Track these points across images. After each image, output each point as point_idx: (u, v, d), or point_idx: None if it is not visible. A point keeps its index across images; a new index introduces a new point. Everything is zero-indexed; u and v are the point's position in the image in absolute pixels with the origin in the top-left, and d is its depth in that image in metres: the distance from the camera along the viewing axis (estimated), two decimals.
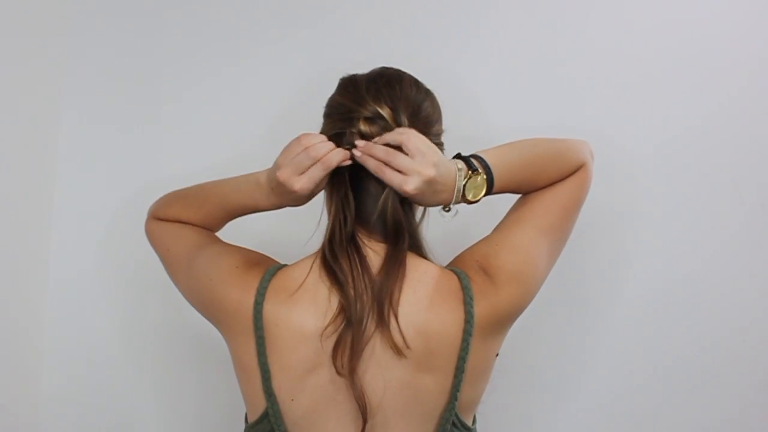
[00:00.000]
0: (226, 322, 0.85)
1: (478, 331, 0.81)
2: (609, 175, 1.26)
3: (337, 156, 0.81)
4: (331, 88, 0.90)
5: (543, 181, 0.91)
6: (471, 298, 0.81)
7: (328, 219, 0.86)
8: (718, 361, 1.27)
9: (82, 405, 1.36)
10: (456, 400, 0.81)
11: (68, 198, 1.36)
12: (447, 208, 0.85)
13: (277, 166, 0.82)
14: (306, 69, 1.32)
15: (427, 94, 0.88)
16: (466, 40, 1.30)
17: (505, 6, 1.30)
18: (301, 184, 0.81)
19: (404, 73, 0.88)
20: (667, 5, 1.28)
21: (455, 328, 0.80)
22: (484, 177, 0.84)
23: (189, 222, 0.96)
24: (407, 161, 0.78)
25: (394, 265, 0.81)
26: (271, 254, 0.91)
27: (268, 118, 1.34)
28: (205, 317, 0.90)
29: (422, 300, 0.81)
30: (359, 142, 0.81)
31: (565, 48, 1.29)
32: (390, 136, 0.81)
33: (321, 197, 0.89)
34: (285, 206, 0.88)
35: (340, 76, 0.90)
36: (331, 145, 0.81)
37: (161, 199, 1.02)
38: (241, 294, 0.83)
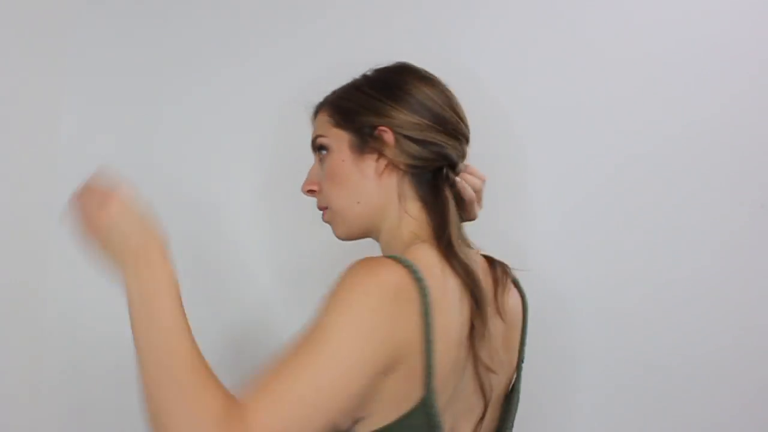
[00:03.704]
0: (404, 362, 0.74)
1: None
2: (607, 174, 1.27)
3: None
4: (332, 87, 0.90)
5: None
6: (516, 278, 0.91)
7: (432, 215, 0.83)
8: (717, 362, 1.26)
9: (83, 404, 1.36)
10: (521, 370, 0.90)
11: (68, 196, 1.35)
12: None
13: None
14: (307, 68, 1.31)
15: None
16: (472, 44, 1.30)
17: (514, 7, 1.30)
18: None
19: (441, 81, 0.90)
20: (667, 4, 1.28)
21: (518, 302, 0.90)
22: None
23: None
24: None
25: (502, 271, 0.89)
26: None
27: (269, 118, 1.33)
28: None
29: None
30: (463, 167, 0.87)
31: (558, 47, 1.28)
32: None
33: None
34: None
35: (346, 75, 0.90)
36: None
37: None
38: (410, 334, 0.74)
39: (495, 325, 0.82)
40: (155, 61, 1.36)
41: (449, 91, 0.87)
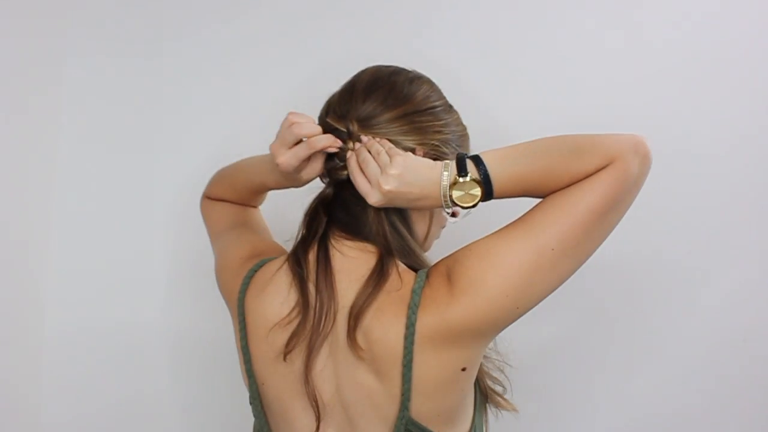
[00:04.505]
0: (227, 305, 0.92)
1: (424, 342, 0.75)
2: None
3: (323, 141, 0.79)
4: (333, 86, 0.90)
5: (554, 185, 0.76)
6: (416, 305, 0.76)
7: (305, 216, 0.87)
8: (716, 362, 1.27)
9: (83, 404, 1.37)
10: (407, 409, 0.77)
11: (68, 196, 1.37)
12: (448, 213, 0.79)
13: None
14: (307, 66, 1.32)
15: (395, 74, 0.84)
16: (462, 37, 1.30)
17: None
18: (284, 158, 0.81)
19: (370, 68, 0.87)
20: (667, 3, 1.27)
21: (397, 335, 0.76)
22: (477, 182, 0.75)
23: (230, 200, 1.03)
24: (373, 172, 0.76)
25: (377, 281, 0.79)
26: None
27: (270, 117, 1.32)
28: None
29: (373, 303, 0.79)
30: (358, 144, 0.80)
31: (568, 45, 1.28)
32: (368, 145, 0.79)
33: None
34: (286, 185, 0.89)
35: (340, 75, 0.89)
36: (317, 128, 0.80)
37: (213, 176, 1.07)
38: (233, 283, 0.89)
39: (338, 340, 0.80)
40: (155, 62, 1.37)
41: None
